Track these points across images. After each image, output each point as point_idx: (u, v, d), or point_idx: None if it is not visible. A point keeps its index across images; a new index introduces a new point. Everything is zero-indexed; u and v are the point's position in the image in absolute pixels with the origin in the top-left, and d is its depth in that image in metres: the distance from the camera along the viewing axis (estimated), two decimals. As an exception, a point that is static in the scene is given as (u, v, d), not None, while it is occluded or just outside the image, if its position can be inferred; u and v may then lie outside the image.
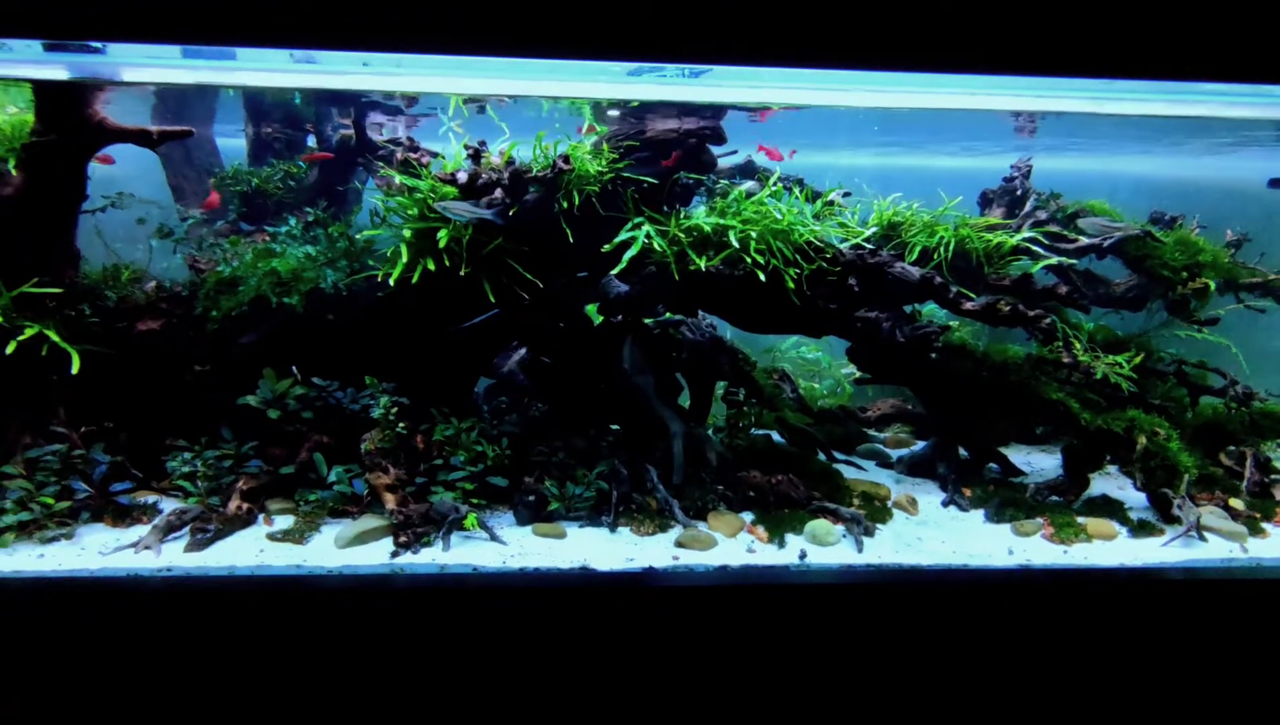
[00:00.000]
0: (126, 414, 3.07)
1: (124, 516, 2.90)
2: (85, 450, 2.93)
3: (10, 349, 2.71)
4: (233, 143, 3.96)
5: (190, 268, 3.25)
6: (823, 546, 2.86)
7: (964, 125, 3.78)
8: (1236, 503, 3.11)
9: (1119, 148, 3.79)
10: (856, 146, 4.00)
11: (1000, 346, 3.35)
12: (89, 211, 3.04)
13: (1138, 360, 3.25)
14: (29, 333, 2.77)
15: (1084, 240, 3.38)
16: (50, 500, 2.79)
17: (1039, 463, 3.72)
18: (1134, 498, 3.21)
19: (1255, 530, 3.00)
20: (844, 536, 2.91)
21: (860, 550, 2.83)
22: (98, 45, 2.36)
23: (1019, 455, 3.77)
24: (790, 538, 2.89)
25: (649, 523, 2.96)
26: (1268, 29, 2.13)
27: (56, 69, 2.55)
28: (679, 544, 2.83)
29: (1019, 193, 3.53)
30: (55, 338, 2.82)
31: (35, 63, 2.53)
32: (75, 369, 2.79)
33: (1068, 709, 2.53)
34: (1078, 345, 3.18)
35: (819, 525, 2.92)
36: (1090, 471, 3.20)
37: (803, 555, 2.78)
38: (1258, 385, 3.55)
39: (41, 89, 2.76)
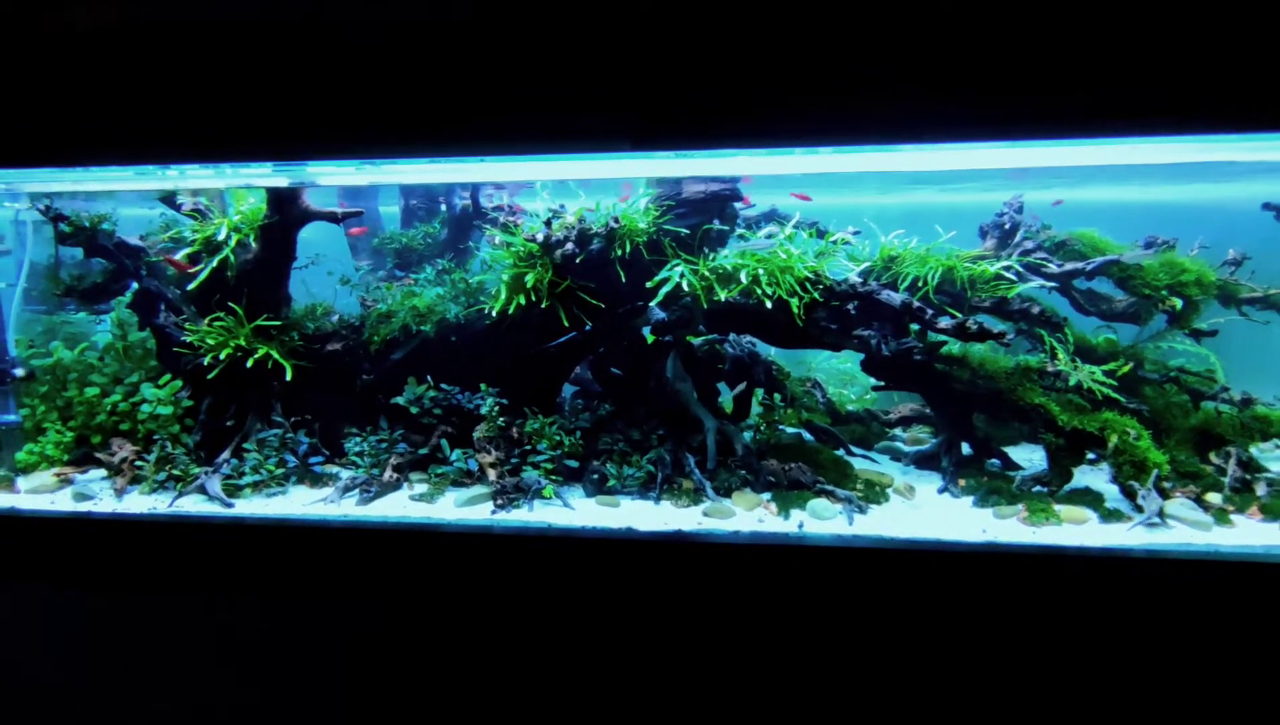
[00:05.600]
0: (319, 409, 3.97)
1: (317, 481, 3.72)
2: (294, 434, 3.86)
3: (250, 363, 3.71)
4: (390, 210, 5.03)
5: (361, 305, 4.20)
6: (820, 520, 3.36)
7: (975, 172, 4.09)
8: (1213, 497, 3.27)
9: (1124, 178, 3.96)
10: (884, 190, 4.43)
11: (994, 357, 3.68)
12: (297, 267, 4.09)
13: (1125, 369, 3.49)
14: (261, 352, 3.72)
15: (1069, 265, 3.64)
16: (273, 468, 3.68)
17: (1041, 458, 3.96)
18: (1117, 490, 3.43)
19: (1224, 521, 3.16)
20: (840, 513, 3.40)
21: (850, 523, 3.31)
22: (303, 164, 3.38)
23: (1026, 453, 4.03)
24: (795, 512, 3.40)
25: (685, 498, 3.56)
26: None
27: (280, 179, 3.57)
28: (705, 514, 3.42)
29: (1008, 226, 3.83)
30: (276, 355, 3.80)
31: (266, 176, 3.60)
32: (289, 377, 3.73)
33: (1013, 664, 2.88)
34: (1061, 356, 3.47)
35: (819, 503, 3.43)
36: (1072, 466, 3.45)
37: (801, 525, 3.31)
38: (1264, 392, 3.62)
39: (271, 190, 3.86)
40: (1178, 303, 3.50)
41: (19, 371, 4.00)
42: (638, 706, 3.05)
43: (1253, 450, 3.46)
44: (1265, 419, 3.45)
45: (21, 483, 3.80)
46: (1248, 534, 3.09)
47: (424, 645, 3.17)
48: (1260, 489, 3.28)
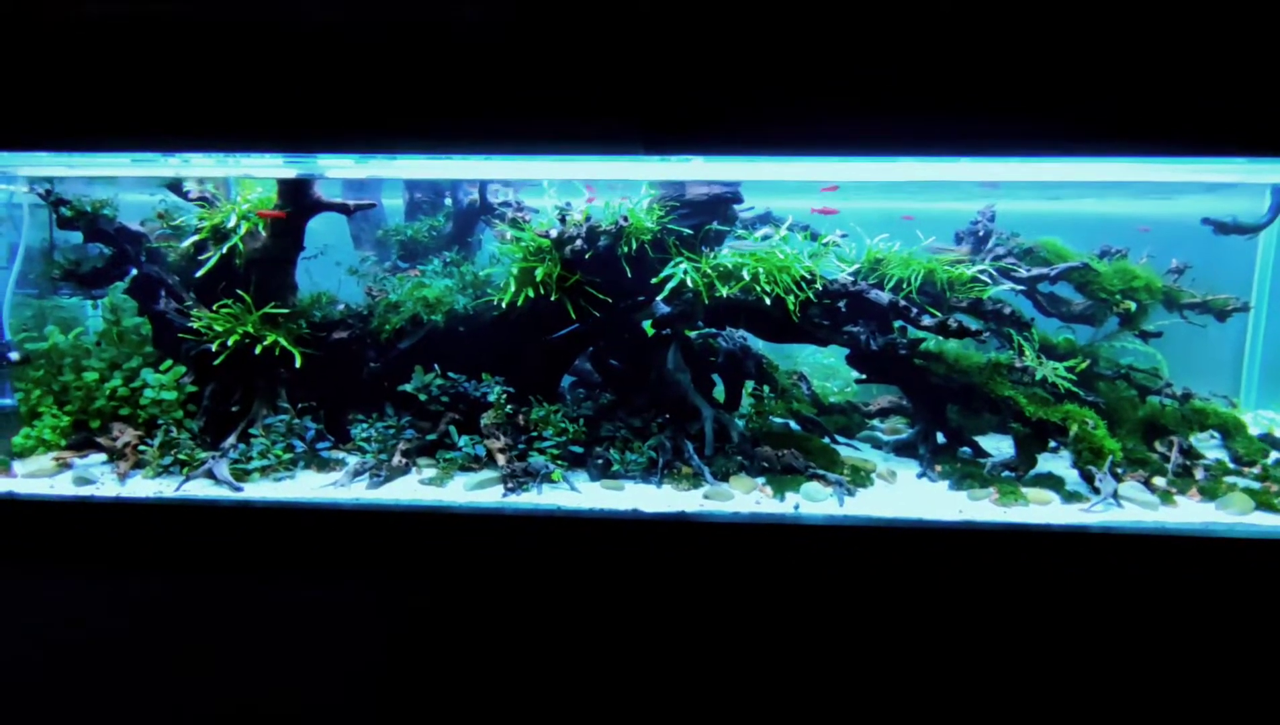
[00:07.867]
0: (326, 396, 4.02)
1: (325, 466, 3.76)
2: (300, 420, 3.88)
3: (258, 350, 3.73)
4: (394, 204, 5.09)
5: (367, 295, 4.24)
6: (813, 501, 3.59)
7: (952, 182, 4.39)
8: (1159, 480, 3.63)
9: (1081, 192, 4.33)
10: (863, 197, 4.69)
11: (967, 353, 3.98)
12: (304, 258, 4.09)
13: (1083, 366, 3.83)
14: (269, 339, 3.74)
15: (1035, 270, 3.97)
16: (280, 453, 3.71)
17: (1007, 447, 4.29)
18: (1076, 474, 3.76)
19: (1169, 502, 3.52)
20: (830, 495, 3.64)
21: (841, 505, 3.55)
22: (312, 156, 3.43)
23: (996, 442, 4.36)
24: (789, 494, 3.62)
25: (685, 482, 3.73)
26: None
27: (289, 170, 3.62)
28: (706, 497, 3.61)
29: (981, 233, 4.15)
30: (284, 342, 3.82)
31: (276, 167, 3.64)
32: (298, 364, 3.80)
33: (987, 628, 3.17)
34: (1028, 353, 3.79)
35: (811, 486, 3.66)
36: (1037, 453, 3.77)
37: (796, 507, 3.53)
38: (1202, 387, 4.02)
39: (280, 180, 3.89)
40: (1131, 306, 3.86)
41: (14, 355, 3.94)
42: (647, 676, 3.23)
43: (1192, 439, 3.85)
44: (1203, 412, 3.84)
45: (18, 467, 3.76)
46: (1188, 512, 3.45)
47: (439, 622, 3.28)
48: (1199, 473, 3.66)
